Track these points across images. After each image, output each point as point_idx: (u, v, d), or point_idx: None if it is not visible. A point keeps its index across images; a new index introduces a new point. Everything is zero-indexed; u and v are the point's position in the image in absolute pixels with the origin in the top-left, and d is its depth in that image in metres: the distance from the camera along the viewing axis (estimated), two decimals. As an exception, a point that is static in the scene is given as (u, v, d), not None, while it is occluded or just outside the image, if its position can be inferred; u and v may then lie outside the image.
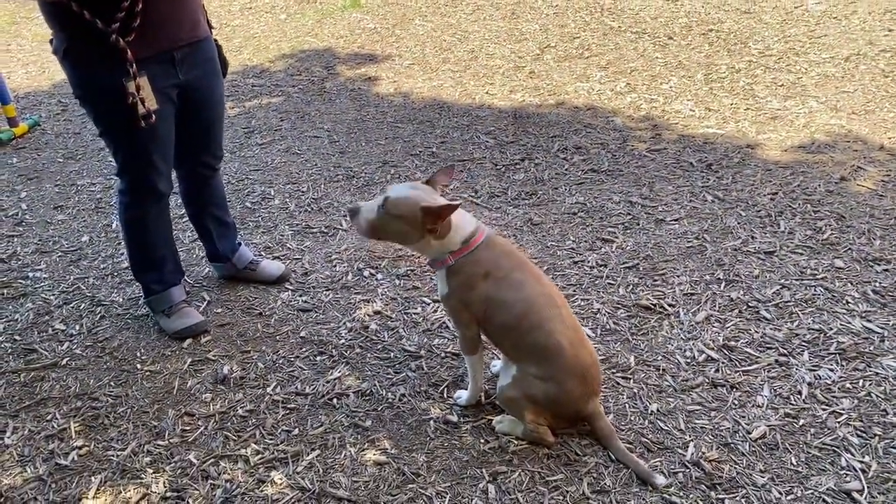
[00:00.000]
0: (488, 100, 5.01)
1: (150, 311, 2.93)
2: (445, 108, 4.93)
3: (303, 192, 3.95)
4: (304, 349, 2.71)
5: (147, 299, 2.90)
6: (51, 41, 2.46)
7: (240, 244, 3.13)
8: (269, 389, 2.51)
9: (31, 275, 3.36)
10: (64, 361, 2.74)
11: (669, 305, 2.79)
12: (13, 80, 6.23)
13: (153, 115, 2.42)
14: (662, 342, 2.61)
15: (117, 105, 2.38)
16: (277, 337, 2.79)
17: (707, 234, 3.24)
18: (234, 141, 4.69)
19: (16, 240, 3.69)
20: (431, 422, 2.32)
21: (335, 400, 2.44)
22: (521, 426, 2.19)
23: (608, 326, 2.71)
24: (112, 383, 2.60)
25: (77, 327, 2.94)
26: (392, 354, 2.65)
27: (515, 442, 2.20)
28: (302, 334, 2.79)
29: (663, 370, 2.47)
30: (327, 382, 2.52)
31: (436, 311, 2.85)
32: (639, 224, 3.36)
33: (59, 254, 3.54)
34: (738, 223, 3.29)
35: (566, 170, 3.96)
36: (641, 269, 3.03)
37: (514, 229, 3.41)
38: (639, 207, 3.51)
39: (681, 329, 2.66)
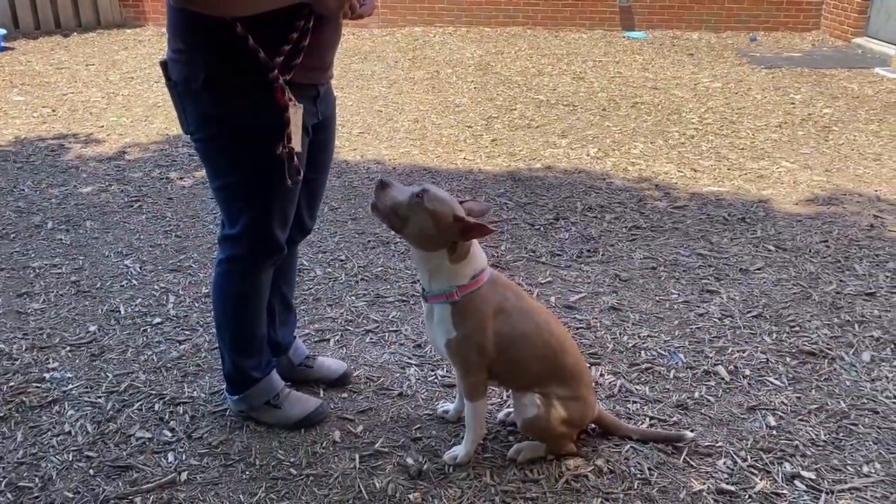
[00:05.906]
0: (471, 165, 4.83)
1: (245, 410, 2.35)
2: (435, 173, 4.68)
3: (342, 260, 3.49)
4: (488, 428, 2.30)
5: (244, 393, 2.32)
6: (163, 66, 2.00)
7: (295, 337, 2.61)
8: (487, 479, 2.08)
9: (47, 376, 2.62)
10: (183, 476, 2.11)
11: (828, 349, 2.73)
12: None
13: (301, 168, 2.05)
14: (852, 386, 2.53)
15: (265, 147, 1.98)
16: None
17: (800, 280, 3.26)
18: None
19: (-11, 335, 2.89)
20: (704, 494, 2.03)
21: (574, 482, 2.07)
22: (542, 447, 2.14)
23: (791, 375, 2.59)
24: (273, 497, 2.03)
25: (167, 433, 2.30)
26: (592, 425, 2.32)
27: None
28: (469, 413, 2.38)
29: (882, 414, 2.38)
30: (560, 466, 2.14)
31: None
32: (727, 275, 3.32)
33: (68, 347, 2.80)
34: (817, 269, 3.36)
35: (606, 228, 3.86)
36: (768, 316, 2.97)
37: (606, 286, 3.23)
38: (712, 259, 3.47)
39: (856, 372, 2.60)
